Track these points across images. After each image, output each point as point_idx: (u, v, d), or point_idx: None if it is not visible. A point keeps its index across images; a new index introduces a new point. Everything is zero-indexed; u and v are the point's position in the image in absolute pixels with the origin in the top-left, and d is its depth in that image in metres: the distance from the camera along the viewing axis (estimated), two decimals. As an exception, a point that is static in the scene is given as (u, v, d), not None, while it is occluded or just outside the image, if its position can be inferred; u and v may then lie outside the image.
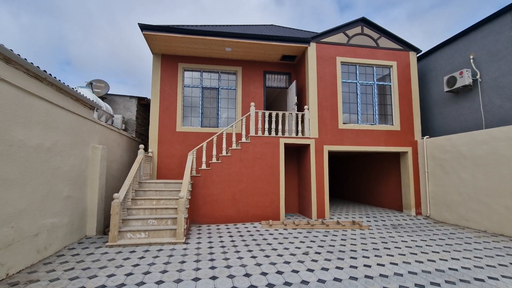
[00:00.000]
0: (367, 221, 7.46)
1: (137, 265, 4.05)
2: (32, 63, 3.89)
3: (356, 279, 3.58)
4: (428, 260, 4.35)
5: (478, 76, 7.43)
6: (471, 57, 7.61)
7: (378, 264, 4.13)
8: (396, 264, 4.14)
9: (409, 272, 3.82)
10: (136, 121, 9.47)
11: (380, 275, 3.72)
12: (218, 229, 6.51)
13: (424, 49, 8.94)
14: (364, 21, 8.62)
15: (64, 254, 4.54)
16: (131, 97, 9.43)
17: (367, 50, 8.50)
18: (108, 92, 9.06)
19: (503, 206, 5.99)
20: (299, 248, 4.99)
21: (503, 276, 3.70)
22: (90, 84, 8.47)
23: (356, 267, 4.00)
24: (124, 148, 7.90)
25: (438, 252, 4.75)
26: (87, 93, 7.04)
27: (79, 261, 4.22)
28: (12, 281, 3.43)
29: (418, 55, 9.11)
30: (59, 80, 4.59)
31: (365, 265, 4.09)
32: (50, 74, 4.31)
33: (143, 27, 7.22)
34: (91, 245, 5.05)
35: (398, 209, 8.89)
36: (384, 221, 7.49)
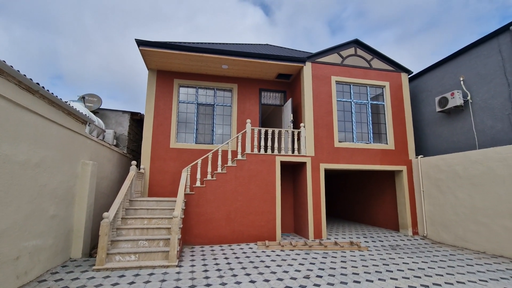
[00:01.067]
0: (365, 241, 7.29)
1: (126, 292, 3.74)
2: (25, 75, 3.73)
3: (362, 306, 3.38)
4: (434, 284, 4.20)
5: (468, 97, 7.64)
6: (461, 79, 7.86)
7: (383, 289, 3.95)
8: (402, 289, 3.97)
9: (416, 298, 3.65)
10: (128, 136, 9.23)
11: (387, 301, 3.54)
12: (213, 250, 6.21)
13: (414, 70, 9.18)
14: (357, 43, 8.88)
15: (46, 279, 4.17)
16: (124, 112, 9.25)
17: (361, 71, 8.70)
18: (100, 107, 8.87)
19: (502, 226, 5.97)
20: (299, 271, 4.76)
21: (512, 301, 3.57)
22: (83, 98, 8.28)
23: (360, 293, 3.81)
24: (115, 164, 7.62)
25: (442, 275, 4.61)
26: (80, 107, 6.83)
27: (62, 287, 3.87)
28: (-15, 312, 3.07)
29: (409, 76, 9.37)
30: (52, 93, 4.42)
31: (369, 290, 3.90)
32: (43, 87, 4.15)
33: (140, 43, 7.20)
34: (76, 269, 4.69)
35: (394, 228, 8.77)
36: (382, 241, 7.34)
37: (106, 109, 9.06)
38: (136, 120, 9.86)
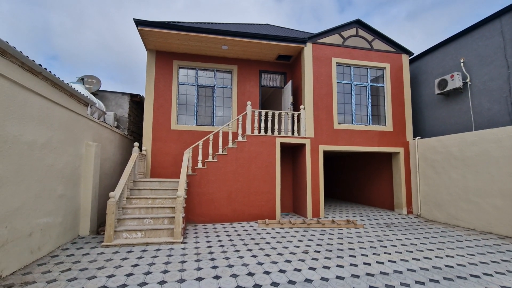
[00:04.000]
0: (361, 220, 7.59)
1: (136, 265, 3.96)
2: (27, 56, 3.73)
3: (358, 277, 3.63)
4: (425, 257, 4.47)
5: (468, 80, 7.68)
6: (462, 61, 7.85)
7: (377, 262, 4.21)
8: (395, 262, 4.23)
9: (408, 270, 3.91)
10: (129, 118, 9.26)
11: (381, 272, 3.79)
12: (215, 228, 6.47)
13: (422, 49, 9.11)
14: (359, 23, 8.75)
15: (58, 254, 4.39)
16: (123, 93, 9.22)
17: (362, 52, 8.64)
18: (100, 88, 8.83)
19: (492, 205, 6.23)
20: (298, 247, 5.01)
21: (496, 273, 3.84)
22: (82, 80, 8.22)
23: (356, 265, 4.06)
24: (116, 146, 7.72)
25: (433, 250, 4.88)
26: (80, 89, 6.82)
27: (75, 261, 4.09)
28: (6, 283, 3.28)
29: (410, 58, 9.32)
30: (54, 74, 4.43)
31: (365, 263, 4.15)
32: (45, 69, 4.16)
33: (139, 23, 7.07)
34: (86, 245, 4.91)
35: (390, 208, 9.09)
36: (377, 220, 7.64)
37: (106, 91, 9.02)
38: (136, 102, 9.85)
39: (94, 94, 8.51)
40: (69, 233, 5.17)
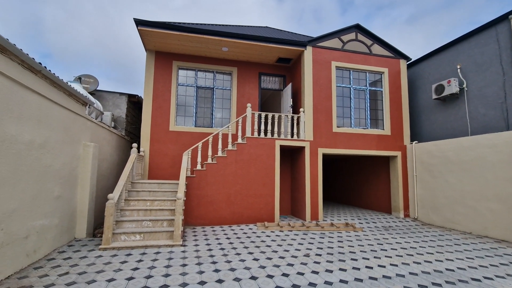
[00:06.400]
0: (359, 223, 7.61)
1: (136, 268, 3.88)
2: (27, 54, 3.65)
3: (361, 280, 3.62)
4: (425, 261, 4.49)
5: (464, 85, 7.81)
6: (458, 67, 7.99)
7: (379, 266, 4.21)
8: (396, 265, 4.24)
9: (410, 273, 3.92)
10: (126, 119, 9.15)
11: (383, 276, 3.79)
12: (214, 231, 6.40)
13: (421, 54, 9.25)
14: (358, 28, 8.84)
15: (55, 257, 4.27)
16: (121, 94, 9.11)
17: (361, 56, 8.71)
18: (97, 88, 8.69)
19: (488, 209, 6.31)
20: (299, 250, 4.99)
21: (496, 276, 3.88)
22: (79, 79, 8.09)
23: (358, 269, 4.05)
24: (113, 147, 7.60)
25: (433, 254, 4.91)
26: (78, 89, 6.70)
27: (72, 265, 3.99)
28: (1, 287, 3.17)
29: (408, 63, 9.45)
30: (54, 73, 4.34)
31: (367, 267, 4.15)
32: (45, 67, 4.07)
33: (139, 22, 7.00)
34: (83, 248, 4.80)
35: (387, 211, 9.14)
36: (375, 223, 7.67)
37: (103, 90, 8.89)
38: (134, 102, 9.74)
39: (91, 93, 8.37)
40: (65, 236, 5.05)
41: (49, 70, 4.22)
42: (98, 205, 6.28)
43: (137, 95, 9.37)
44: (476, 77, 7.58)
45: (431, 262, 4.45)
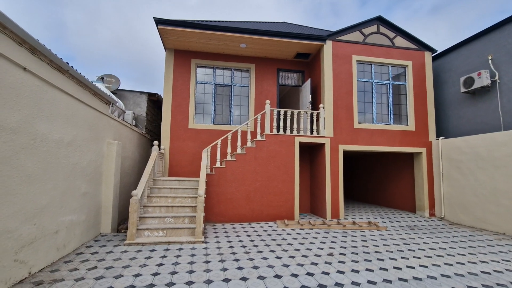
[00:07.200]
0: (382, 222, 7.37)
1: (161, 264, 3.93)
2: (56, 54, 3.75)
3: (390, 282, 3.48)
4: (457, 262, 4.26)
5: (496, 77, 7.34)
6: (490, 58, 7.52)
7: (407, 267, 4.04)
8: (426, 267, 4.05)
9: (442, 275, 3.73)
10: (146, 117, 9.32)
11: (414, 278, 3.62)
12: (234, 228, 6.40)
13: (446, 46, 8.80)
14: (380, 20, 8.51)
15: (83, 252, 4.41)
16: (141, 92, 9.28)
17: (383, 49, 8.40)
18: (118, 88, 8.90)
19: (524, 208, 5.92)
20: (322, 249, 4.88)
21: (539, 281, 3.61)
22: (102, 79, 8.31)
23: (386, 269, 3.90)
24: (135, 145, 7.76)
25: (464, 255, 4.66)
26: (102, 88, 6.89)
27: (99, 259, 4.10)
28: (35, 280, 3.30)
29: (433, 55, 9.01)
30: (80, 73, 4.45)
31: (395, 267, 3.99)
32: (72, 67, 4.17)
33: (159, 21, 7.07)
34: (108, 243, 4.92)
35: (411, 210, 8.81)
36: (399, 222, 7.41)
37: (124, 90, 9.10)
38: (153, 101, 9.90)
39: (113, 93, 8.59)
40: (91, 231, 5.21)
41: (76, 70, 4.33)
42: (122, 201, 6.44)
43: (157, 94, 9.51)
44: (510, 68, 7.10)
45: (463, 264, 4.22)
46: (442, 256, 4.57)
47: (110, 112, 6.65)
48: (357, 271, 3.81)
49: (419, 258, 4.47)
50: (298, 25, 10.57)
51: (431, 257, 4.53)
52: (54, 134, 3.94)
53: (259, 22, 9.89)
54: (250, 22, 9.57)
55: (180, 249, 4.70)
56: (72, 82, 4.38)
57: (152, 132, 9.96)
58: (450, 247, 5.12)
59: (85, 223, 4.91)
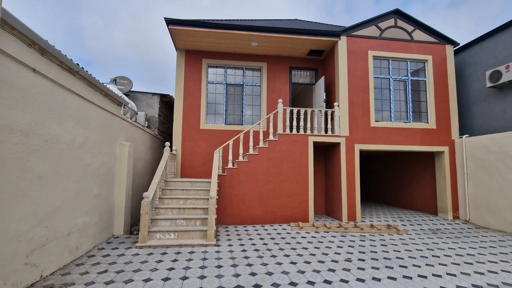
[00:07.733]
0: (402, 224, 7.02)
1: (172, 268, 3.82)
2: (66, 55, 3.72)
3: (415, 292, 3.22)
4: (489, 271, 3.92)
5: (526, 70, 6.83)
6: (519, 49, 7.02)
7: (433, 275, 3.74)
8: (455, 275, 3.74)
9: (473, 286, 3.42)
10: (159, 118, 9.33)
11: (441, 288, 3.34)
12: (246, 230, 6.24)
13: (468, 39, 8.29)
14: (397, 13, 8.14)
15: (95, 254, 4.37)
16: (153, 94, 9.30)
17: (401, 44, 8.02)
18: (131, 89, 8.96)
19: (562, 212, 5.44)
20: (339, 254, 4.64)
21: None
22: (114, 81, 8.37)
23: (410, 278, 3.63)
24: (147, 146, 7.76)
25: (496, 262, 4.30)
26: (114, 90, 6.91)
27: (111, 262, 4.04)
28: (46, 283, 3.26)
29: (455, 49, 8.53)
30: (91, 74, 4.42)
31: (419, 275, 3.71)
32: (82, 68, 4.15)
33: (170, 22, 7.03)
34: (120, 245, 4.88)
35: (432, 212, 8.37)
36: (421, 225, 7.03)
37: (137, 91, 9.14)
38: (165, 102, 9.91)
39: (125, 94, 8.65)
40: (104, 233, 5.19)
41: (87, 71, 4.30)
42: (134, 203, 6.43)
43: (169, 95, 9.51)
44: (542, 60, 6.58)
45: (497, 273, 3.87)
46: (472, 264, 4.23)
47: (122, 113, 6.66)
48: (379, 279, 3.56)
49: (446, 265, 4.15)
50: (310, 21, 10.31)
51: (459, 264, 4.21)
52: (66, 135, 3.91)
53: (271, 20, 9.71)
54: (261, 20, 9.40)
55: (192, 252, 4.59)
56: (82, 83, 4.35)
57: (165, 133, 9.97)
58: (479, 253, 4.76)
59: (97, 225, 4.89)
